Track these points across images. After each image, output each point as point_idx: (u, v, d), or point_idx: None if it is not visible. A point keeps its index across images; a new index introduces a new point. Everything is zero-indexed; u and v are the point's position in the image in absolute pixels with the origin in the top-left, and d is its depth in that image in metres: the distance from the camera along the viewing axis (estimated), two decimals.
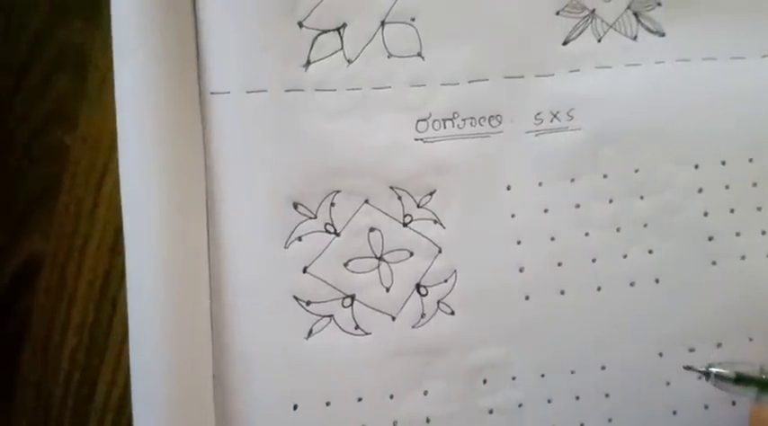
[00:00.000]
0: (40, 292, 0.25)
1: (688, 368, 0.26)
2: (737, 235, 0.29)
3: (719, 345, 0.29)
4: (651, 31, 0.29)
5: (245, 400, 0.26)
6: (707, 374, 0.25)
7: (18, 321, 0.28)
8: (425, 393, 0.27)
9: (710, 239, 0.29)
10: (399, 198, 0.27)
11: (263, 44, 0.26)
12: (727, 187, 0.29)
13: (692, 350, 0.29)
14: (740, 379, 0.25)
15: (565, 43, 0.28)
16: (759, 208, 0.29)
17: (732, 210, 0.29)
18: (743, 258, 0.29)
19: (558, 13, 0.28)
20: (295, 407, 0.26)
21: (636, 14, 0.29)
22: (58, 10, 0.28)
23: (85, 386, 0.27)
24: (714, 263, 0.29)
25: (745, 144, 0.29)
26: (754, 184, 0.29)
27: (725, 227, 0.29)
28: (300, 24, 0.27)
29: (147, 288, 0.25)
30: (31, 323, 0.28)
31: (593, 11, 0.29)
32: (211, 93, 0.26)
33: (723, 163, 0.29)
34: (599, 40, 0.29)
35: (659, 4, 0.29)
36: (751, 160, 0.29)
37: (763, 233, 0.29)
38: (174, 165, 0.25)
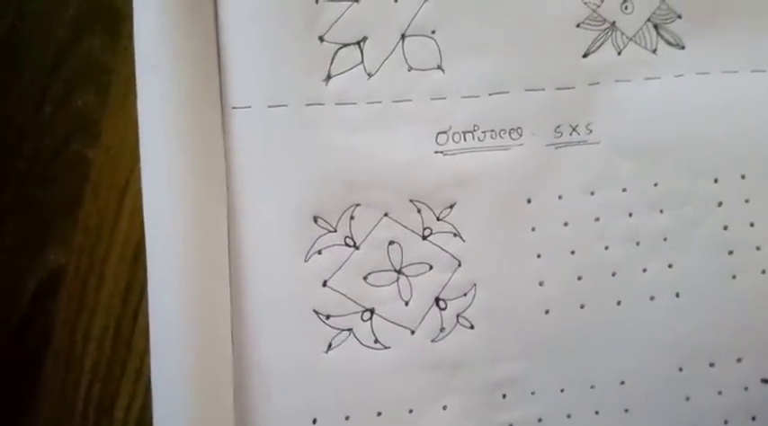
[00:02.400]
0: (62, 304, 0.25)
1: (765, 381, 0.26)
2: (758, 249, 0.29)
3: (740, 360, 0.29)
4: (671, 44, 0.29)
5: (264, 413, 0.26)
6: None
7: (40, 333, 0.28)
8: (444, 407, 0.27)
9: (731, 253, 0.29)
10: (419, 211, 0.27)
11: (284, 59, 0.26)
12: (747, 201, 0.29)
13: (712, 365, 0.29)
14: None
15: (585, 56, 0.28)
16: None
17: (752, 224, 0.29)
18: (763, 272, 0.29)
19: (578, 26, 0.28)
20: (314, 421, 0.26)
21: (656, 27, 0.29)
22: (80, 23, 0.29)
23: (107, 398, 0.27)
24: (734, 277, 0.29)
25: (765, 157, 0.29)
26: None
27: (745, 241, 0.29)
28: (321, 38, 0.27)
29: (168, 301, 0.25)
30: (53, 335, 0.28)
31: (614, 23, 0.29)
32: (233, 108, 0.26)
33: (743, 177, 0.29)
34: (619, 53, 0.29)
35: (680, 17, 0.29)
36: None
37: None
38: (196, 180, 0.26)
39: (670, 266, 0.28)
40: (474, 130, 0.28)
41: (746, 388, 0.29)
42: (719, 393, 0.28)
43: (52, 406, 0.28)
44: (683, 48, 0.29)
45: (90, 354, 0.28)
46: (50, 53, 0.28)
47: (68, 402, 0.28)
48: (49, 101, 0.28)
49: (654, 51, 0.29)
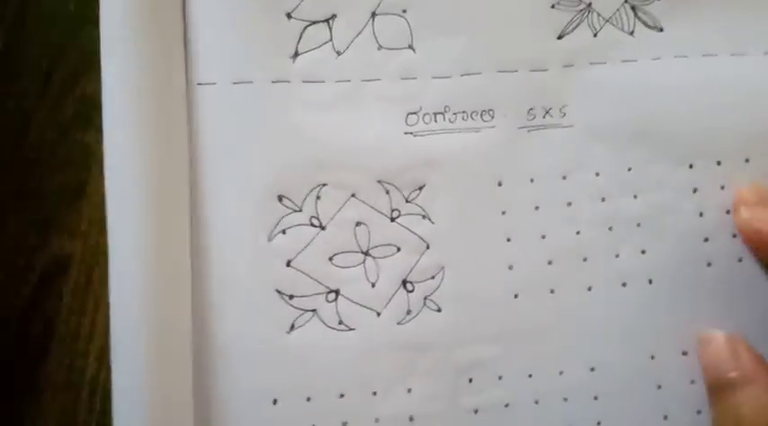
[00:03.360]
0: (67, 293, 0.26)
1: None
2: (734, 236, 0.28)
3: None
4: (649, 26, 0.28)
5: (224, 393, 0.26)
6: None
7: (45, 321, 0.28)
8: (409, 390, 0.27)
9: (706, 240, 0.28)
10: (387, 192, 0.27)
11: (251, 35, 0.26)
12: (722, 187, 0.28)
13: (685, 354, 0.28)
14: None
15: (560, 37, 0.28)
16: None
17: (728, 211, 0.28)
18: (739, 260, 0.28)
19: (553, 7, 0.28)
20: (275, 402, 0.26)
21: (633, 8, 0.28)
22: (80, 15, 0.29)
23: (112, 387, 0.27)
24: (709, 265, 0.28)
25: (742, 143, 0.28)
26: None
27: (720, 229, 0.28)
28: (289, 15, 0.26)
29: (128, 278, 0.25)
30: (58, 323, 0.28)
31: (590, 4, 0.28)
32: (198, 84, 0.26)
33: (719, 163, 0.28)
34: (595, 35, 0.28)
35: None
36: (747, 160, 0.28)
37: None
38: (159, 156, 0.25)
39: (643, 252, 0.28)
40: (445, 112, 0.27)
41: None
42: (692, 382, 0.28)
43: (57, 396, 0.28)
44: (661, 30, 0.28)
45: (95, 342, 0.28)
46: (54, 41, 0.28)
47: (74, 391, 0.28)
48: (53, 90, 0.29)
49: (631, 33, 0.28)
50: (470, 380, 0.27)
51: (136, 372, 0.25)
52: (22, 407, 0.28)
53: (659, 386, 0.28)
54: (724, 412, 0.25)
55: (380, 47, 0.27)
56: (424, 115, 0.27)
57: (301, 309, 0.26)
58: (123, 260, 0.25)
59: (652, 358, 0.28)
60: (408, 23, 0.27)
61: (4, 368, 0.28)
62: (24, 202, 0.29)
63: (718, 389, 0.26)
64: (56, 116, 0.29)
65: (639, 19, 0.28)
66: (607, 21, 0.28)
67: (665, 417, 0.28)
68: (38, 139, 0.29)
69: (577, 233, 0.28)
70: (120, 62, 0.25)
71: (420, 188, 0.27)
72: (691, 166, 0.28)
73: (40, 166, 0.29)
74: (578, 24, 0.28)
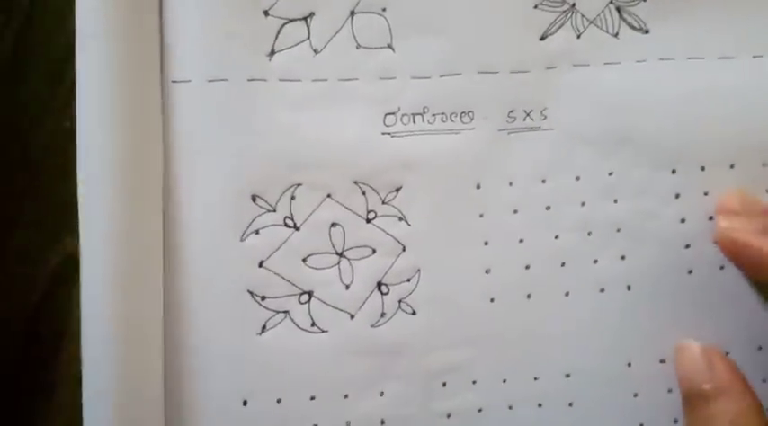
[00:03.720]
0: (77, 292, 0.25)
1: None
2: (716, 243, 0.28)
3: None
4: (634, 28, 0.28)
5: (195, 394, 0.26)
6: None
7: (56, 319, 0.28)
8: (381, 394, 0.27)
9: (687, 247, 0.28)
10: (363, 193, 0.27)
11: (227, 32, 0.26)
12: (706, 194, 0.28)
13: (662, 362, 0.28)
14: None
15: (542, 38, 0.27)
16: None
17: (711, 218, 0.28)
18: (721, 268, 0.28)
19: (536, 7, 0.27)
20: (245, 403, 0.26)
21: (619, 10, 0.28)
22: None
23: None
24: (690, 272, 0.28)
25: (727, 149, 0.28)
26: None
27: (703, 235, 0.28)
28: (266, 13, 0.26)
29: (99, 278, 0.25)
30: (70, 321, 0.28)
31: (574, 5, 0.28)
32: (173, 82, 0.26)
33: (702, 168, 0.28)
34: (578, 36, 0.28)
35: (644, 0, 0.28)
36: (732, 166, 0.28)
37: None
38: (133, 154, 0.25)
39: (622, 258, 0.28)
40: (423, 112, 0.27)
41: None
42: (669, 390, 0.28)
43: (69, 391, 0.28)
44: (646, 32, 0.28)
45: None
46: (65, 40, 0.28)
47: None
48: (63, 91, 0.28)
49: (615, 35, 0.28)
50: (444, 384, 0.27)
51: (106, 372, 0.25)
52: (33, 406, 0.28)
53: (636, 394, 0.28)
54: (696, 424, 0.25)
55: (359, 46, 0.27)
56: (403, 116, 0.27)
57: (273, 310, 0.26)
58: (95, 258, 0.25)
59: (629, 365, 0.28)
60: (388, 22, 0.27)
61: (16, 366, 0.28)
62: (35, 203, 0.29)
63: (691, 400, 0.25)
64: (63, 119, 0.29)
65: (624, 20, 0.28)
66: (591, 22, 0.28)
67: (641, 425, 0.28)
68: (47, 141, 0.29)
69: (556, 237, 0.27)
70: (94, 58, 0.25)
71: (397, 189, 0.27)
72: (673, 171, 0.28)
73: (51, 165, 0.29)
74: (561, 25, 0.28)
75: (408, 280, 0.27)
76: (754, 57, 0.28)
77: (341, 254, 0.27)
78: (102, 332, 0.25)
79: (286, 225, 0.26)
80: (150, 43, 0.26)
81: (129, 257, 0.25)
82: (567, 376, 0.27)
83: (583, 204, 0.28)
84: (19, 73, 0.29)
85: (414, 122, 0.27)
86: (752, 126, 0.28)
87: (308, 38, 0.26)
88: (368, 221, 0.27)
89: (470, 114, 0.27)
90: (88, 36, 0.25)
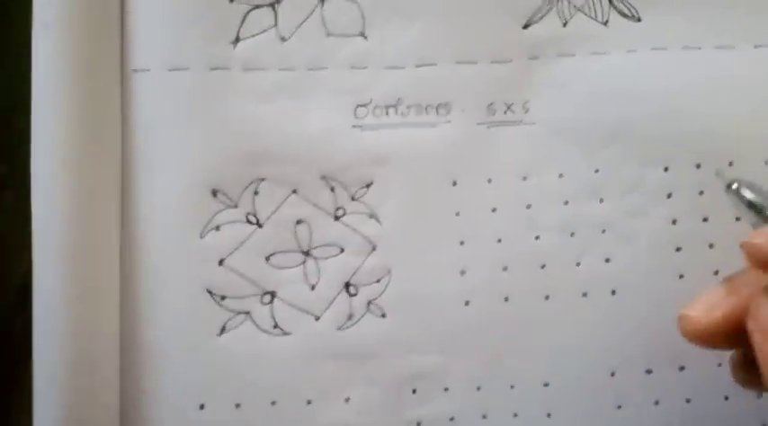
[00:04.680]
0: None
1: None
2: (711, 246, 0.26)
3: (682, 368, 0.26)
4: (625, 16, 0.26)
5: (150, 396, 0.25)
6: (728, 187, 0.22)
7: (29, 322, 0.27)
8: (347, 400, 0.25)
9: (678, 250, 0.26)
10: (332, 189, 0.25)
11: (189, 19, 0.24)
12: (701, 193, 0.26)
13: (648, 372, 0.26)
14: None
15: (525, 26, 0.26)
16: (738, 219, 0.26)
17: (705, 219, 0.26)
18: (715, 273, 0.26)
19: None
20: (202, 407, 0.25)
21: None
22: None
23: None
24: (681, 277, 0.26)
25: (725, 145, 0.26)
26: None
27: (696, 237, 0.26)
28: None
29: (52, 275, 0.24)
30: None
31: None
32: (132, 71, 0.25)
33: (698, 166, 0.26)
34: (564, 24, 0.26)
35: None
36: (731, 164, 0.26)
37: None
38: (89, 145, 0.24)
39: (607, 260, 0.26)
40: (397, 104, 0.25)
41: (688, 400, 0.26)
42: (656, 403, 0.26)
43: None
44: (638, 20, 0.26)
45: None
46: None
47: None
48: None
49: (605, 23, 0.26)
50: (414, 391, 0.26)
51: (59, 372, 0.24)
52: (10, 404, 0.28)
53: (619, 406, 0.26)
54: None
55: (329, 33, 0.25)
56: (375, 108, 0.25)
57: (233, 311, 0.25)
58: (47, 254, 0.24)
59: (612, 375, 0.26)
60: (360, 8, 0.25)
61: None
62: (17, 187, 0.27)
63: None
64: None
65: (615, 7, 0.26)
66: (579, 9, 0.26)
67: None
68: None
69: (536, 238, 0.26)
70: (51, 45, 0.24)
71: (367, 185, 0.26)
72: (666, 169, 0.26)
73: None
74: (547, 12, 0.26)
75: (378, 281, 0.26)
76: (756, 46, 0.26)
77: (306, 253, 0.25)
78: (54, 332, 0.24)
79: (248, 221, 0.25)
80: (109, 30, 0.25)
81: (84, 253, 0.24)
82: (546, 385, 0.26)
83: (566, 203, 0.26)
84: None
85: (387, 115, 0.25)
86: (752, 120, 0.26)
87: (275, 24, 0.25)
88: (336, 218, 0.26)
89: (447, 106, 0.26)
90: (44, 24, 0.24)
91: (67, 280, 0.24)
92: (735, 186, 0.22)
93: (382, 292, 0.26)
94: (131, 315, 0.25)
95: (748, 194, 0.22)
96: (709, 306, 0.21)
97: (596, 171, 0.26)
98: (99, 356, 0.24)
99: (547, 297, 0.26)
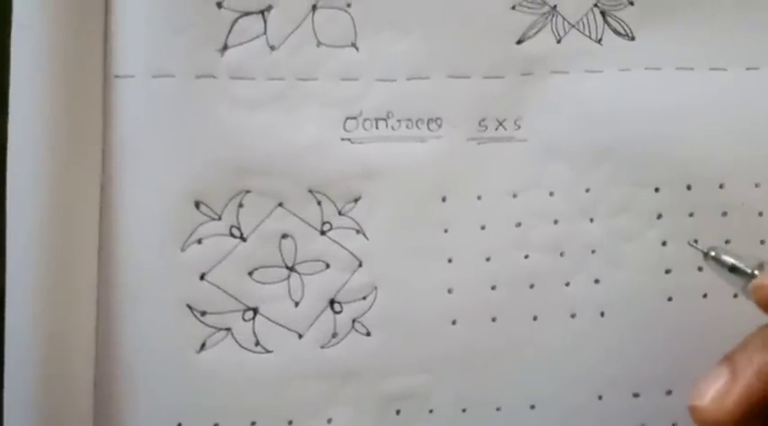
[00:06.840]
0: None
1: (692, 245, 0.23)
2: (700, 269, 0.26)
3: (669, 392, 0.26)
4: (619, 34, 0.26)
5: (126, 413, 0.24)
6: (705, 255, 0.22)
7: None
8: (329, 420, 0.25)
9: (668, 272, 0.26)
10: (319, 203, 0.25)
11: (176, 24, 0.24)
12: (691, 215, 0.26)
13: (636, 396, 0.26)
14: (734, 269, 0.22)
15: (519, 42, 0.25)
16: (728, 241, 0.26)
17: (696, 241, 0.26)
18: (704, 296, 0.26)
19: (513, 8, 0.25)
20: (179, 425, 0.24)
21: (603, 14, 0.26)
22: None
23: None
24: (670, 299, 0.26)
25: (717, 167, 0.26)
26: (724, 214, 0.26)
27: (686, 260, 0.26)
28: (219, 5, 0.24)
29: (26, 285, 0.23)
30: None
31: (555, 7, 0.25)
32: (115, 77, 0.24)
33: (689, 187, 0.26)
34: (558, 41, 0.26)
35: (631, 4, 0.26)
36: (722, 186, 0.26)
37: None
38: (69, 153, 0.23)
39: (596, 281, 0.26)
40: (387, 118, 0.25)
41: (674, 425, 0.26)
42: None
43: None
44: (632, 38, 0.26)
45: None
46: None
47: None
48: None
49: (599, 41, 0.26)
50: (398, 412, 0.25)
51: (31, 387, 0.23)
52: None
53: None
54: None
55: (320, 43, 0.25)
56: (365, 120, 0.25)
57: (214, 327, 0.24)
58: (22, 264, 0.23)
59: (600, 398, 0.26)
60: (352, 19, 0.25)
61: None
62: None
63: None
64: None
65: (609, 25, 0.26)
66: (573, 26, 0.26)
67: None
68: None
69: (525, 257, 0.25)
70: (30, 48, 0.23)
71: (355, 200, 0.25)
72: (656, 190, 0.26)
73: None
74: (541, 28, 0.25)
75: (364, 298, 0.25)
76: (748, 69, 0.26)
77: (291, 268, 0.25)
78: (27, 344, 0.23)
79: (232, 234, 0.24)
80: (92, 35, 0.24)
81: (60, 263, 0.23)
82: (532, 407, 0.25)
83: (556, 222, 0.26)
84: None
85: (376, 128, 0.25)
86: (744, 143, 0.26)
87: (265, 33, 0.24)
88: (322, 233, 0.25)
89: (438, 121, 0.25)
90: (25, 27, 0.23)
91: (42, 292, 0.23)
92: (713, 254, 0.22)
93: (367, 310, 0.25)
94: (107, 328, 0.24)
95: (728, 259, 0.21)
96: (718, 395, 0.20)
97: (587, 190, 0.26)
98: (73, 372, 0.23)
99: (535, 318, 0.26)
